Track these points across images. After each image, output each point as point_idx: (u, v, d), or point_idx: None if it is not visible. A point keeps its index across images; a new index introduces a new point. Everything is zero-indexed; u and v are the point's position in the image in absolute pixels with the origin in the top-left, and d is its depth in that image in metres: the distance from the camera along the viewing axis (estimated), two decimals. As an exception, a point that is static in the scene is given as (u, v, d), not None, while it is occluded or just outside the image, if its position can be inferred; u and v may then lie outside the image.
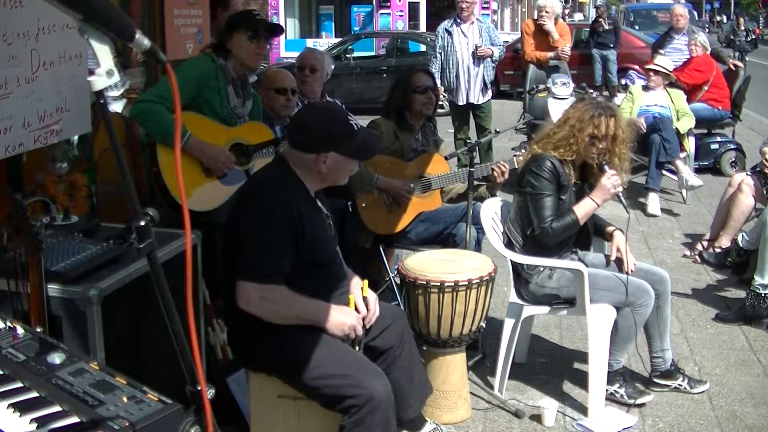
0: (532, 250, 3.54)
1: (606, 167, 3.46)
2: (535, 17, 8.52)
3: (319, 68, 4.65)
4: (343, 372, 2.58)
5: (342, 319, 2.67)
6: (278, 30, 3.98)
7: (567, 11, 34.68)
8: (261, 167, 3.02)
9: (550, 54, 8.15)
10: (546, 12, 8.08)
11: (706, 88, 8.02)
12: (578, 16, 34.49)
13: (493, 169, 4.06)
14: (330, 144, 2.67)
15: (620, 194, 3.50)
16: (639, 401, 3.53)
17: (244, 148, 3.67)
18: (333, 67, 5.02)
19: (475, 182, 4.09)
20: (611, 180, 3.43)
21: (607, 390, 3.52)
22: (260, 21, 3.73)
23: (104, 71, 1.39)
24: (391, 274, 4.32)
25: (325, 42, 18.37)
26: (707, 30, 21.88)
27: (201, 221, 3.27)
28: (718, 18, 46.52)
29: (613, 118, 3.43)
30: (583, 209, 3.47)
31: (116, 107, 4.39)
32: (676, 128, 7.02)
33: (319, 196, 2.84)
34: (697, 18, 23.35)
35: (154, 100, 3.38)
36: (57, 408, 1.67)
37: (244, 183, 3.07)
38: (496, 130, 4.87)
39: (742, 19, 33.68)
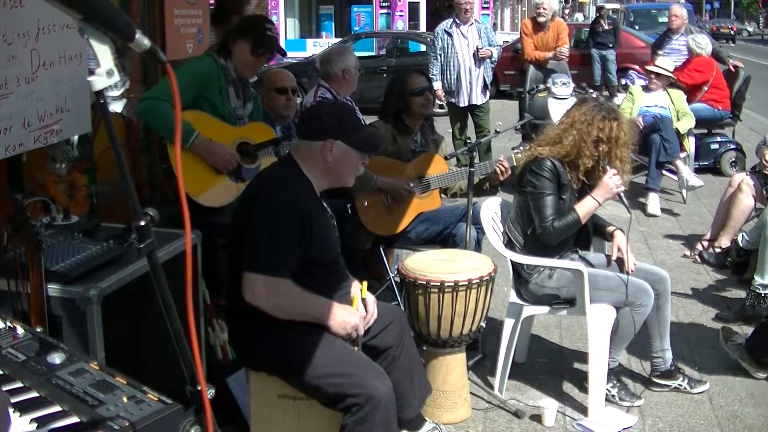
0: (533, 250, 3.54)
1: (607, 167, 3.47)
2: (534, 15, 8.51)
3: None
4: (345, 371, 2.58)
5: (346, 318, 2.68)
6: (281, 53, 3.93)
7: (567, 11, 34.67)
8: (269, 164, 3.05)
9: (549, 54, 8.15)
10: (544, 9, 8.07)
11: (706, 88, 8.01)
12: (579, 17, 34.46)
13: (495, 171, 4.04)
14: (338, 131, 2.72)
15: (621, 194, 3.51)
16: (630, 405, 3.52)
17: (246, 147, 3.69)
18: (352, 64, 4.75)
19: (481, 177, 4.09)
20: (613, 179, 3.45)
21: None
22: (268, 38, 3.70)
23: (104, 71, 1.39)
24: (391, 274, 4.32)
25: (325, 42, 18.37)
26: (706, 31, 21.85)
27: (201, 221, 3.27)
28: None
29: (616, 122, 3.45)
30: (584, 208, 3.48)
31: (116, 107, 4.39)
32: (676, 128, 7.02)
33: (322, 197, 2.85)
34: (696, 20, 23.33)
35: (160, 98, 3.40)
36: (57, 408, 1.67)
37: (252, 179, 3.08)
38: (496, 130, 4.85)
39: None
